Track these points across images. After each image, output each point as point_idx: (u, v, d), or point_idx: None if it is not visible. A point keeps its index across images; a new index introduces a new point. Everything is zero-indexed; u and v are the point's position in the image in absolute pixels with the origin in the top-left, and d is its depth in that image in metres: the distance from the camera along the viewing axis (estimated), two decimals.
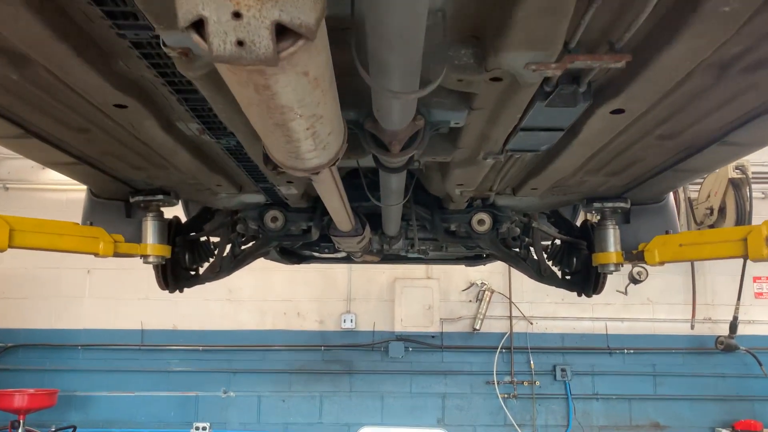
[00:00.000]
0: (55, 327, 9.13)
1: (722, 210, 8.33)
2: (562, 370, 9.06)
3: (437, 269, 9.30)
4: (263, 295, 9.29)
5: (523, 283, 9.28)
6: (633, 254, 3.00)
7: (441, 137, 2.01)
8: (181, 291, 3.93)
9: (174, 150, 2.17)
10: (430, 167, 2.73)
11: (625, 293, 8.38)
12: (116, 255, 2.94)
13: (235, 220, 3.68)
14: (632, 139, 2.13)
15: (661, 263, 2.92)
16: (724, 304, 9.06)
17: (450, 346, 9.17)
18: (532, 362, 9.09)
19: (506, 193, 3.13)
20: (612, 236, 3.11)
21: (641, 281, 7.91)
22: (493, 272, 9.34)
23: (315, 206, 3.38)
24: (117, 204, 3.22)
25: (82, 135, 2.14)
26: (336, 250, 4.30)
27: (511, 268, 9.14)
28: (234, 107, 1.60)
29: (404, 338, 9.07)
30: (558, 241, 4.05)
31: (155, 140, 2.04)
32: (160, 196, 3.05)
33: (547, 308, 9.33)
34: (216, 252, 3.95)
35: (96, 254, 2.89)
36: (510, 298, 9.27)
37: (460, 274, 9.33)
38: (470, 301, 9.35)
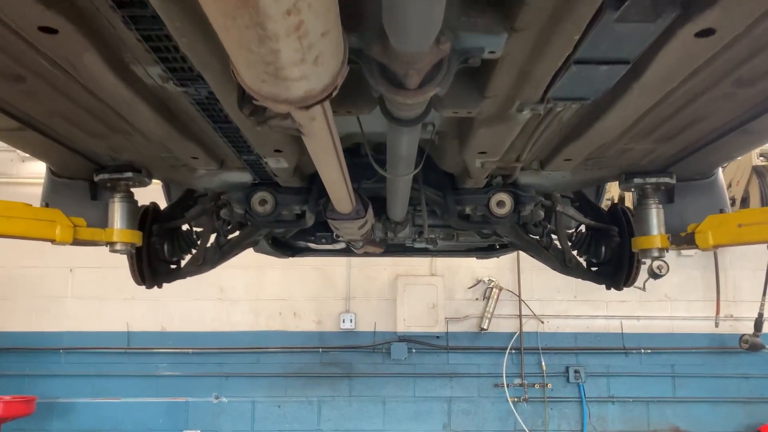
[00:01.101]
0: (36, 329, 8.76)
1: (745, 200, 7.97)
2: (576, 371, 8.72)
3: (441, 266, 8.98)
4: (257, 294, 8.95)
5: (532, 279, 8.99)
6: (681, 237, 2.63)
7: (466, 82, 1.63)
8: (159, 286, 3.56)
9: (132, 105, 1.79)
10: (445, 135, 2.35)
11: (644, 289, 8.00)
12: (76, 242, 2.56)
13: (219, 205, 3.30)
14: (702, 86, 1.75)
15: (715, 247, 2.55)
16: (747, 301, 8.73)
17: (456, 347, 8.83)
18: (543, 363, 8.75)
19: (532, 168, 2.75)
20: (655, 217, 2.74)
21: (662, 276, 7.52)
22: (501, 268, 9.00)
23: (310, 187, 3.01)
24: (81, 184, 2.84)
25: (17, 86, 1.76)
26: (334, 240, 3.92)
27: (520, 265, 8.96)
28: (194, 21, 1.22)
29: (407, 339, 8.74)
30: (583, 228, 3.71)
31: (105, 88, 1.66)
32: (129, 174, 2.67)
33: (559, 306, 9.00)
34: (199, 242, 3.59)
35: (52, 241, 2.51)
36: (519, 296, 8.92)
37: (466, 270, 9.02)
38: (477, 299, 9.00)
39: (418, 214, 3.59)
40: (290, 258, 4.75)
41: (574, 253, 3.58)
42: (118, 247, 2.73)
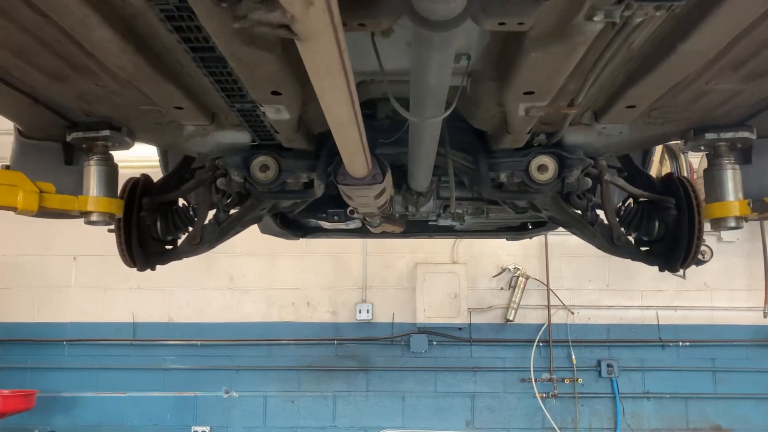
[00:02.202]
0: (38, 320, 8.57)
1: None
2: (608, 365, 8.32)
3: (464, 253, 8.63)
4: (269, 283, 8.67)
5: (561, 267, 8.63)
6: (765, 203, 2.22)
7: None
8: (152, 268, 3.22)
9: (87, 21, 1.43)
10: (480, 76, 1.96)
11: (684, 276, 7.57)
12: (43, 211, 2.22)
13: (217, 176, 2.94)
14: None
15: None
16: None
17: (479, 340, 8.46)
18: (573, 357, 8.35)
19: (582, 122, 2.35)
20: (731, 180, 2.35)
21: (705, 261, 7.09)
22: (528, 255, 8.64)
23: (318, 152, 2.65)
24: (53, 147, 2.51)
25: None
26: (348, 218, 3.55)
27: (548, 251, 8.56)
28: None
29: (427, 331, 8.41)
30: (630, 202, 3.31)
31: None
32: (107, 132, 2.33)
33: (590, 296, 8.58)
34: (196, 219, 3.24)
35: (14, 209, 2.17)
36: (548, 285, 8.52)
37: (490, 257, 8.66)
38: (502, 288, 8.62)
39: (443, 186, 3.22)
40: (301, 239, 4.40)
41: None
42: (94, 217, 2.38)
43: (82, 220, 2.51)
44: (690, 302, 8.49)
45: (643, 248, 3.28)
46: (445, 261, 8.62)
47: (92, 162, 2.39)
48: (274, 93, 1.82)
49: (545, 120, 2.26)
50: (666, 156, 7.07)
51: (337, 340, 8.47)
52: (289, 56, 1.60)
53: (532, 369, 8.28)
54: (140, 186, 3.04)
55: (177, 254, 3.27)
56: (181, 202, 3.37)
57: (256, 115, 2.12)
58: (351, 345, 8.49)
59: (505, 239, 4.49)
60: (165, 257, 3.25)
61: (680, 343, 8.36)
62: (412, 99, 1.64)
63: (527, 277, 8.50)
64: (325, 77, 1.27)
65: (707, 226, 2.76)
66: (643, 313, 8.52)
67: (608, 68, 1.74)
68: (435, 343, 8.43)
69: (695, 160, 6.97)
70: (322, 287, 8.66)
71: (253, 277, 8.67)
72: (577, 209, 3.05)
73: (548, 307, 8.50)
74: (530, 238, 4.49)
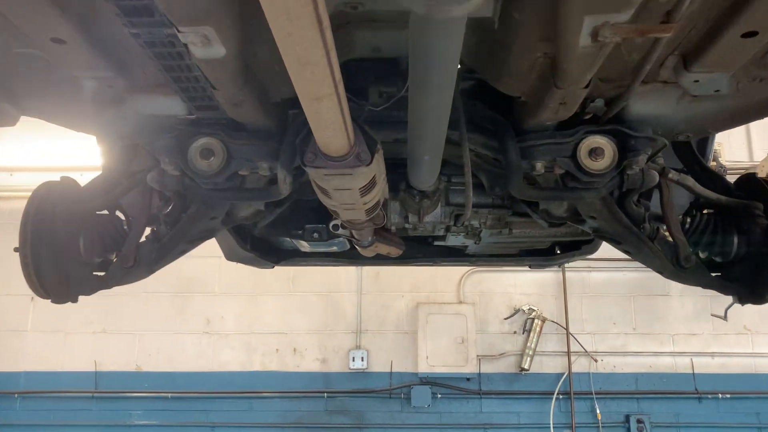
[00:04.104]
0: None
1: None
2: (638, 421, 7.65)
3: (472, 291, 8.06)
4: (250, 327, 8.13)
5: (582, 308, 8.07)
6: None
7: None
8: (74, 299, 2.55)
9: None
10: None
11: (725, 318, 6.84)
12: None
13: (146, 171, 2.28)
14: None
15: None
16: None
17: (490, 392, 7.85)
18: (598, 411, 7.68)
19: (661, 78, 1.69)
20: None
21: None
22: (544, 294, 8.08)
23: (282, 131, 1.99)
24: None
25: None
26: (331, 235, 2.88)
27: (567, 289, 7.91)
28: None
29: (431, 381, 7.85)
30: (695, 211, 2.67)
31: None
32: None
33: (615, 340, 7.97)
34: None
35: None
36: (567, 328, 7.90)
37: (501, 296, 8.10)
38: (515, 332, 8.04)
39: (454, 189, 2.55)
40: (276, 267, 3.71)
41: None
42: None
43: None
44: (728, 348, 7.89)
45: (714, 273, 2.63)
46: (450, 300, 8.08)
47: None
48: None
49: (607, 73, 1.60)
50: None
51: (328, 392, 7.91)
52: None
53: (551, 425, 7.62)
54: (56, 192, 2.38)
55: (107, 281, 2.59)
56: (118, 213, 2.72)
57: (177, 54, 1.46)
58: (343, 398, 7.91)
59: (528, 266, 3.78)
60: (91, 285, 2.57)
61: (719, 395, 7.73)
62: None
63: (544, 320, 7.93)
64: None
65: None
66: (675, 360, 7.90)
67: None
68: (440, 395, 7.85)
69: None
70: (311, 331, 8.13)
71: (233, 320, 8.17)
72: (632, 219, 2.38)
73: (568, 353, 7.87)
74: (558, 266, 3.81)
